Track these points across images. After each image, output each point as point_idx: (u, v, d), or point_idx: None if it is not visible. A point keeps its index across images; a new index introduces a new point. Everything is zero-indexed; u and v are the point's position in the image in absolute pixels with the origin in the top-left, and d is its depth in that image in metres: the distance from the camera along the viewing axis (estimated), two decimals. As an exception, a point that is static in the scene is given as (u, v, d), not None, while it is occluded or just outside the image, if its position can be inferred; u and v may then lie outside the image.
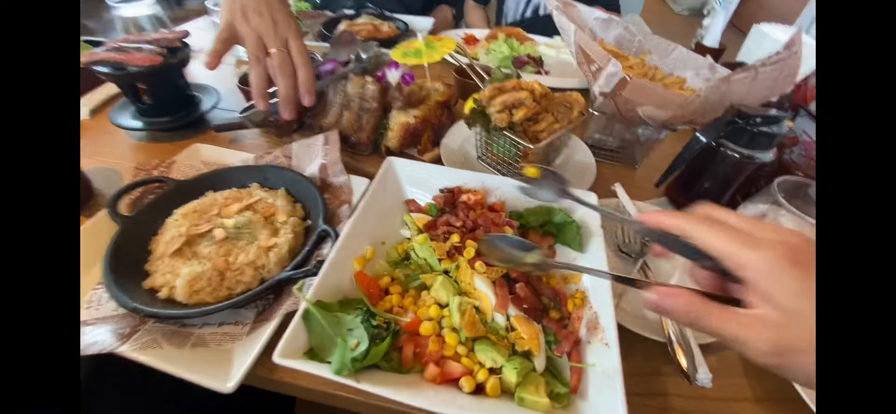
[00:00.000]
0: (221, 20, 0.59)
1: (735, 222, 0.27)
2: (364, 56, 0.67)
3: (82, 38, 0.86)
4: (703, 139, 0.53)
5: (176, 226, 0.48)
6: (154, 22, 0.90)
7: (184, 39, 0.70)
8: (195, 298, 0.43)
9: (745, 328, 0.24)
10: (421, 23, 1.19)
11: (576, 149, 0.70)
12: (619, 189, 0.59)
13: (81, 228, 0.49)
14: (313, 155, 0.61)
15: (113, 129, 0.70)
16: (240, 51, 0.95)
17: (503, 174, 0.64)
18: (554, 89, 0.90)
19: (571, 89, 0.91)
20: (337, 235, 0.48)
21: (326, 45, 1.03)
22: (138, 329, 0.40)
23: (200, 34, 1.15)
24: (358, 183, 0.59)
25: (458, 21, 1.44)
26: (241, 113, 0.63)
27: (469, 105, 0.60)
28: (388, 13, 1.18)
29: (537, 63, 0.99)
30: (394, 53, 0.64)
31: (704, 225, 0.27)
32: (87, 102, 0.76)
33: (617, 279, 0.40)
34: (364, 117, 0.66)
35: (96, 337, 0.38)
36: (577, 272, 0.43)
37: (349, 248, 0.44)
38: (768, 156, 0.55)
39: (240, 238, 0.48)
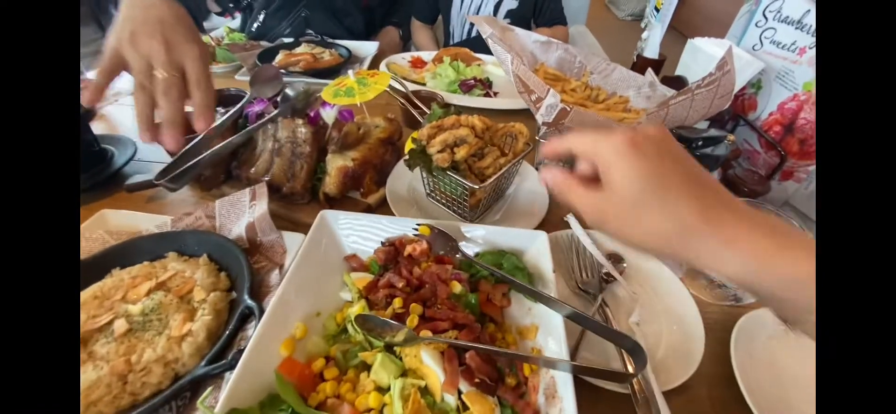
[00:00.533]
0: (106, 46, 0.50)
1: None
2: (291, 94, 0.62)
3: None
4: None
5: (67, 321, 0.41)
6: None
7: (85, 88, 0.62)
8: (91, 411, 0.36)
9: (582, 199, 0.31)
10: (365, 48, 1.15)
11: (525, 175, 0.68)
12: (571, 220, 0.57)
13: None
14: (240, 212, 0.54)
15: None
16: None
17: (455, 212, 0.60)
18: (503, 112, 0.89)
19: (521, 111, 0.91)
20: (261, 310, 0.42)
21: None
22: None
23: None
24: (292, 239, 0.54)
25: (405, 43, 1.40)
26: (158, 178, 0.55)
27: (408, 144, 0.56)
28: (329, 40, 1.13)
29: (485, 85, 0.98)
30: (325, 93, 0.59)
31: (582, 135, 0.32)
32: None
33: (570, 317, 0.39)
34: (297, 163, 0.60)
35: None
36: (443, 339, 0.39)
37: (274, 329, 0.39)
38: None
39: (147, 328, 0.41)
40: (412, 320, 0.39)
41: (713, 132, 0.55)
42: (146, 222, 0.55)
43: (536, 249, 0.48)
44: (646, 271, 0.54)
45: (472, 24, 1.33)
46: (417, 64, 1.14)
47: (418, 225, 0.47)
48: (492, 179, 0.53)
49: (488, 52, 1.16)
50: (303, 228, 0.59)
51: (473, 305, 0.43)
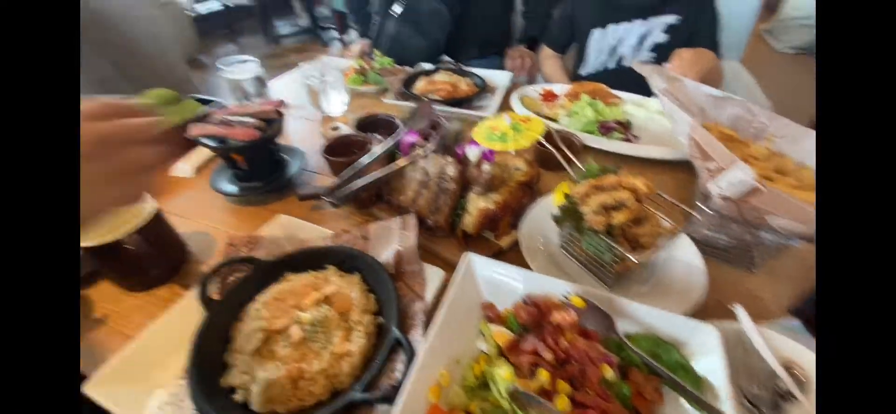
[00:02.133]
0: None
1: None
2: (444, 127, 0.65)
3: (193, 96, 0.95)
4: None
5: (256, 316, 0.48)
6: (256, 83, 0.98)
7: (280, 109, 0.74)
8: (268, 406, 0.42)
9: None
10: (498, 77, 1.17)
11: (678, 243, 0.60)
12: (739, 311, 0.49)
13: (174, 308, 0.52)
14: (390, 239, 0.59)
15: (210, 189, 0.75)
16: (327, 107, 1.00)
17: (595, 274, 0.57)
18: (645, 161, 0.82)
19: (666, 162, 0.82)
20: (410, 346, 0.45)
21: (407, 104, 1.04)
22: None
23: (293, 86, 1.24)
24: (431, 272, 0.56)
25: (533, 75, 1.39)
26: (325, 194, 0.63)
27: (558, 199, 0.54)
28: (464, 68, 1.17)
29: (625, 128, 0.91)
30: (477, 135, 0.61)
31: None
32: (193, 161, 0.84)
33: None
34: (442, 198, 0.63)
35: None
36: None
37: (425, 373, 0.40)
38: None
39: (314, 339, 0.46)
40: (562, 402, 0.37)
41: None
42: (312, 231, 0.64)
43: (703, 345, 0.42)
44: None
45: (607, 57, 1.25)
46: (549, 97, 1.11)
47: (569, 294, 0.45)
48: (650, 253, 0.48)
49: (624, 88, 1.09)
50: (439, 259, 0.62)
51: (626, 398, 0.39)
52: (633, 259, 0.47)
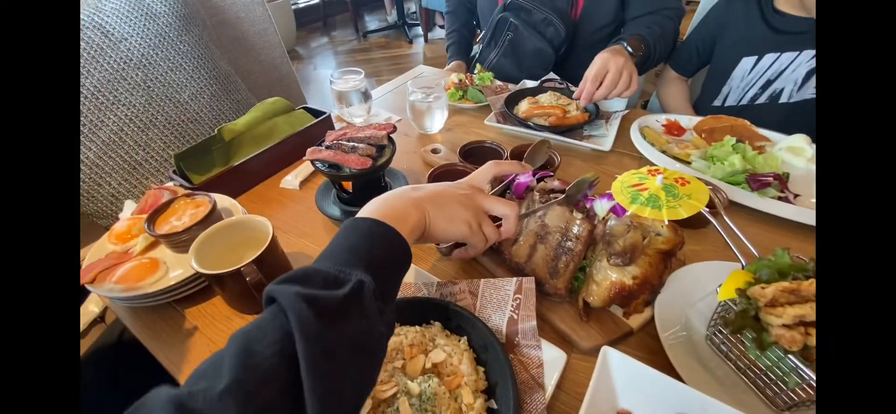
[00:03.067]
0: None
1: None
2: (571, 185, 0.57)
3: (303, 106, 0.97)
4: None
5: (362, 377, 0.45)
6: (360, 95, 0.97)
7: (392, 135, 0.71)
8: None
9: None
10: (613, 104, 1.04)
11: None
12: None
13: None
14: (502, 301, 0.52)
15: (314, 205, 0.75)
16: (430, 126, 0.97)
17: (755, 386, 0.45)
18: (807, 228, 0.65)
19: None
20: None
21: (510, 128, 0.97)
22: None
23: (391, 98, 1.23)
24: (546, 350, 0.49)
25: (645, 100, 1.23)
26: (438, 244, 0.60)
27: (728, 292, 0.43)
28: (573, 88, 1.06)
29: (783, 182, 0.74)
30: (616, 193, 0.51)
31: None
32: (299, 174, 0.85)
33: None
34: (562, 259, 0.55)
35: None
36: None
37: None
38: None
39: (424, 417, 0.41)
40: None
41: None
42: (416, 276, 0.59)
43: None
44: None
45: (754, 86, 1.04)
46: (672, 130, 0.97)
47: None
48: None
49: (774, 129, 0.90)
50: (548, 326, 0.54)
51: None
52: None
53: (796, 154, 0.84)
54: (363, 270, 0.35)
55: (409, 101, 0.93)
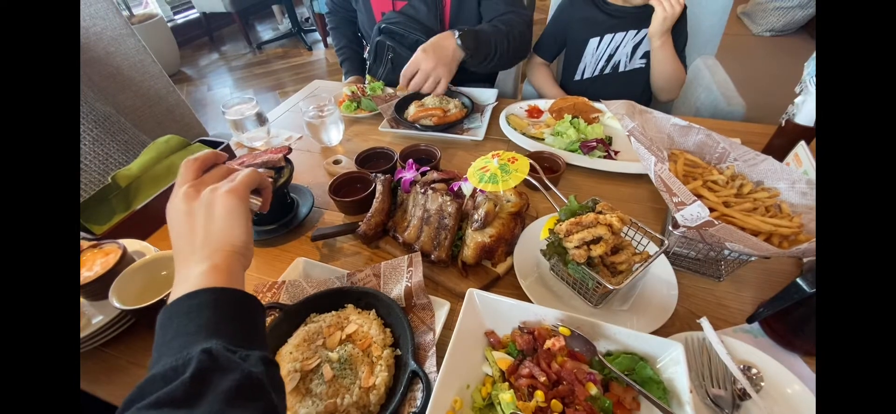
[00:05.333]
0: None
1: None
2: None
3: (199, 138, 1.01)
4: (807, 290, 0.50)
5: (290, 359, 0.55)
6: (255, 119, 1.03)
7: (288, 156, 0.80)
8: (309, 440, 0.49)
9: None
10: (485, 95, 1.23)
11: (658, 263, 0.69)
12: (705, 323, 0.57)
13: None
14: (399, 276, 0.66)
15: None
16: (327, 139, 1.06)
17: (581, 295, 0.65)
18: (624, 176, 0.90)
19: (643, 175, 0.90)
20: (426, 377, 0.52)
21: (406, 132, 1.11)
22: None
23: (289, 117, 1.28)
24: (437, 304, 0.64)
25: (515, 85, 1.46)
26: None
27: (545, 234, 0.62)
28: (454, 89, 1.23)
29: (606, 145, 0.99)
30: (471, 177, 0.68)
31: None
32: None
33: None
34: (442, 234, 0.70)
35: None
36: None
37: (440, 401, 0.48)
38: None
39: (344, 376, 0.54)
40: (555, 418, 0.45)
41: None
42: (328, 273, 0.70)
43: (671, 360, 0.50)
44: (785, 395, 0.53)
45: (604, 64, 1.32)
46: (534, 114, 1.19)
47: (558, 324, 0.53)
48: (626, 283, 0.56)
49: (617, 89, 1.18)
50: (443, 289, 0.70)
51: (608, 409, 0.47)
52: (610, 286, 0.55)
53: (618, 122, 1.10)
54: (203, 340, 0.34)
55: (304, 120, 1.02)
